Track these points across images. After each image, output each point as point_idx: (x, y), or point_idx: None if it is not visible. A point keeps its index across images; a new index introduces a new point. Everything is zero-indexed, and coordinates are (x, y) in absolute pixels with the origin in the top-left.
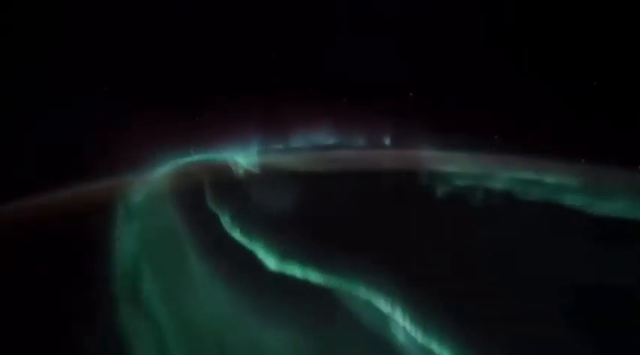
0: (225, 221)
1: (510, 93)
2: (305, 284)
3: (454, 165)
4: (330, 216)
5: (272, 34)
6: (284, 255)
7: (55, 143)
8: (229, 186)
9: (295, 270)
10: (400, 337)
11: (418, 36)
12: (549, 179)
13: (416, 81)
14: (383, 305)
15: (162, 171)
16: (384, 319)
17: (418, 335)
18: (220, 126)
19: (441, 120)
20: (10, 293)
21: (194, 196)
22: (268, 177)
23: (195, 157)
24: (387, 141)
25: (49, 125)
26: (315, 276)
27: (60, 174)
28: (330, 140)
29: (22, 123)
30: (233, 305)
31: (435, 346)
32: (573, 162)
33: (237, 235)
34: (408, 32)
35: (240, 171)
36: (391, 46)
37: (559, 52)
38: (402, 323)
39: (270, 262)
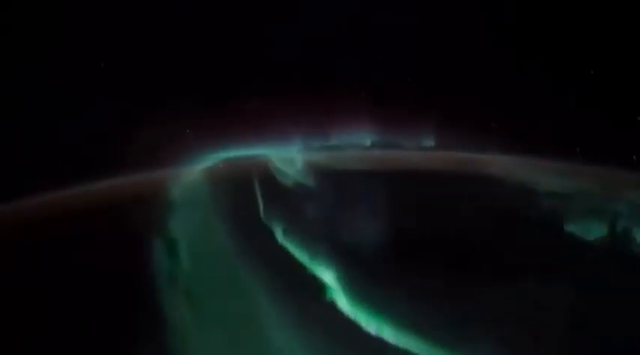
0: (270, 223)
1: (510, 93)
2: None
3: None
4: (402, 233)
5: (315, 35)
6: (349, 290)
7: (94, 136)
8: (273, 184)
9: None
10: None
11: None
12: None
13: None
14: None
15: (202, 167)
16: None
17: None
18: (262, 123)
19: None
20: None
21: (235, 194)
22: (313, 176)
23: (235, 153)
24: (433, 142)
25: (91, 117)
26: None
27: (100, 168)
28: (371, 139)
29: (62, 115)
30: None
31: None
32: (572, 162)
33: (284, 240)
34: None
35: (282, 169)
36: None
37: (558, 51)
38: None
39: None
